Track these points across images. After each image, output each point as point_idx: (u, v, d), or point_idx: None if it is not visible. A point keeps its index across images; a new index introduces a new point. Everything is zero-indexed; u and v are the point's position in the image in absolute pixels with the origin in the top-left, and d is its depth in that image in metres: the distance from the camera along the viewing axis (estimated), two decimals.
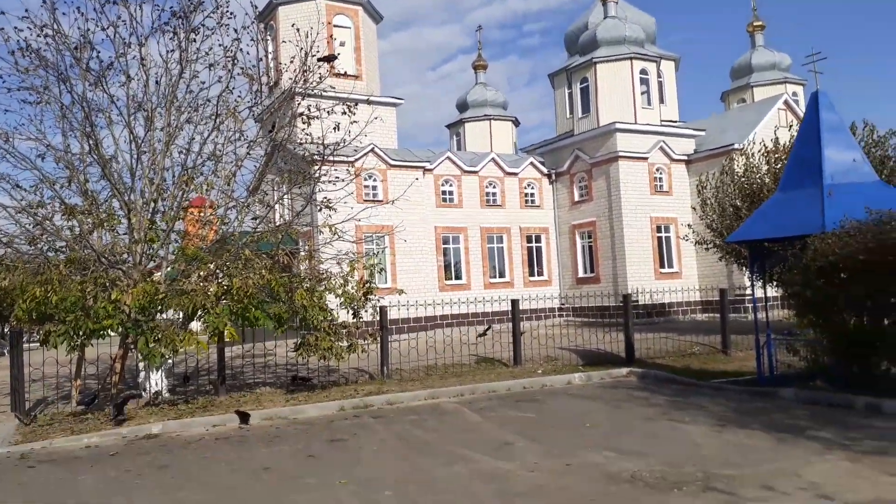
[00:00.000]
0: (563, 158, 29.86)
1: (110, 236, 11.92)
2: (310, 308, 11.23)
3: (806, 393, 9.42)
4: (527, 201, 29.68)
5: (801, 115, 26.61)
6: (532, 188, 29.90)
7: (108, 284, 10.73)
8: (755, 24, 39.45)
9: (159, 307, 10.68)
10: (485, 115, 38.11)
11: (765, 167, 18.43)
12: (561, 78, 33.44)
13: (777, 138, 19.08)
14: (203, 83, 12.39)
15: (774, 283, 13.10)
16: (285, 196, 14.27)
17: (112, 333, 10.79)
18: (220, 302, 10.89)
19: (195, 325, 12.41)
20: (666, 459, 6.59)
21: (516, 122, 39.42)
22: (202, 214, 13.44)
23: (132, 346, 10.80)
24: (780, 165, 17.61)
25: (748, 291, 23.23)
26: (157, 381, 11.43)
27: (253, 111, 13.30)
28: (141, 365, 11.62)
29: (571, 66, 31.16)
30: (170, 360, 11.80)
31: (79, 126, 11.78)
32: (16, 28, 11.08)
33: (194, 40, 12.01)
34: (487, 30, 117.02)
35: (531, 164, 29.83)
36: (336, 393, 11.40)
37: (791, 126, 21.33)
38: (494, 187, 28.90)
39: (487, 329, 16.59)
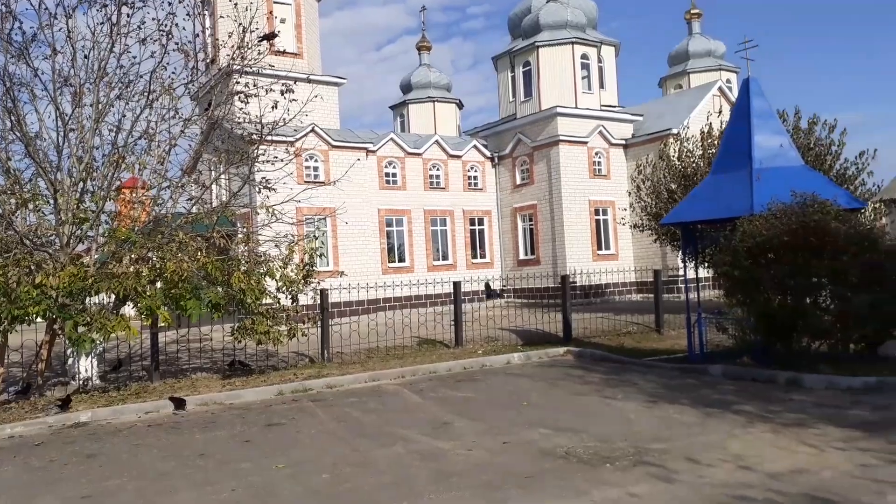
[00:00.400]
0: (505, 142, 30.05)
1: (35, 217, 11.39)
2: (247, 291, 11.01)
3: (733, 369, 9.82)
4: (470, 184, 29.79)
5: (734, 101, 27.55)
6: (475, 171, 30.01)
7: (33, 268, 10.26)
8: (692, 11, 40.43)
9: (89, 291, 10.28)
10: (428, 97, 37.96)
11: (699, 152, 18.98)
12: (504, 61, 33.55)
13: (710, 124, 19.65)
14: (135, 58, 11.92)
15: (706, 265, 13.57)
16: (222, 176, 13.92)
17: (38, 319, 10.35)
18: (154, 285, 10.58)
19: (128, 310, 12.02)
20: (599, 435, 6.77)
21: (460, 105, 39.42)
22: (134, 195, 12.97)
23: (60, 332, 10.39)
24: (713, 150, 18.16)
25: (681, 272, 24.00)
26: (86, 368, 11.02)
27: (189, 88, 12.86)
28: (69, 351, 11.19)
29: (514, 49, 31.30)
30: (101, 346, 11.41)
31: (0, 101, 11.18)
32: None
33: (126, 14, 11.52)
34: (431, 12, 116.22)
35: (474, 147, 29.92)
36: (275, 377, 11.25)
37: (721, 112, 21.99)
38: (438, 170, 28.88)
39: (492, 292, 16.27)
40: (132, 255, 10.89)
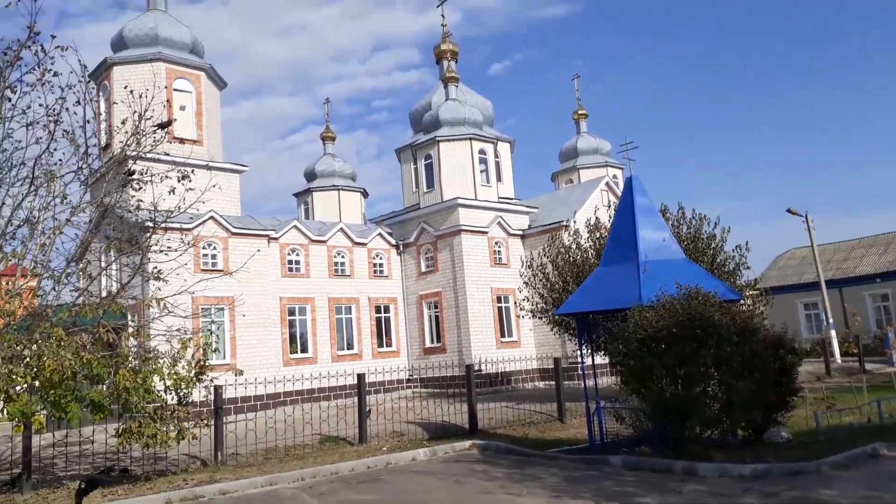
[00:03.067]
0: (410, 230, 30.50)
1: None
2: (133, 391, 10.29)
3: (632, 459, 10.00)
4: (375, 271, 29.77)
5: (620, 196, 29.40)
6: (380, 258, 30.10)
7: None
8: (579, 112, 43.47)
9: None
10: (333, 186, 38.19)
11: (588, 243, 19.88)
12: (407, 153, 34.54)
13: (598, 217, 20.73)
14: (19, 142, 11.37)
15: (602, 352, 14.01)
16: (112, 266, 13.24)
17: None
18: (29, 387, 9.71)
19: None
20: None
21: (365, 194, 39.86)
22: (11, 286, 12.05)
23: None
24: (602, 242, 19.08)
25: (579, 360, 24.63)
26: None
27: (78, 175, 12.33)
28: None
29: (416, 143, 32.34)
30: None
31: None
32: None
33: (9, 99, 11.06)
34: (336, 104, 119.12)
35: (379, 234, 30.13)
36: (162, 484, 10.42)
37: (610, 206, 23.37)
38: (343, 257, 28.75)
39: (369, 410, 15.74)
40: (4, 354, 10.01)
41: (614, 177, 37.70)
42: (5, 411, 9.70)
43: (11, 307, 11.71)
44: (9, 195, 11.38)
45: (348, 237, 28.99)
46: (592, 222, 20.29)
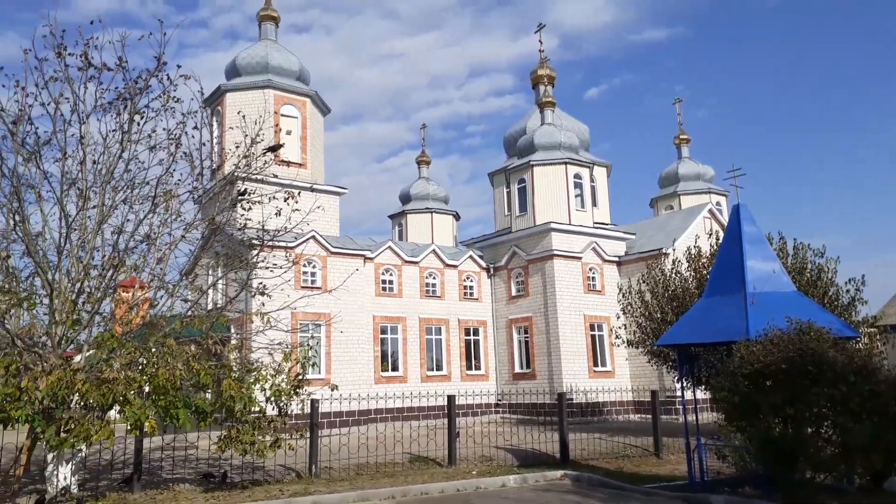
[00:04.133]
0: (501, 254, 30.48)
1: (28, 317, 11.30)
2: (237, 399, 10.77)
3: (736, 499, 9.48)
4: (466, 294, 29.91)
5: (724, 223, 28.22)
6: (471, 281, 30.22)
7: (20, 369, 10.06)
8: (681, 136, 42.24)
9: (74, 395, 10.02)
10: (427, 208, 38.81)
11: (688, 273, 19.20)
12: (500, 177, 34.64)
13: (699, 247, 19.99)
14: (143, 163, 12.27)
15: (703, 387, 13.41)
16: (220, 281, 13.96)
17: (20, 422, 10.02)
18: (143, 393, 10.34)
19: (113, 413, 11.69)
20: None
21: (457, 217, 40.26)
22: (130, 297, 12.93)
23: (41, 435, 10.03)
24: (704, 272, 18.39)
25: (678, 394, 23.69)
26: (65, 476, 10.57)
27: (193, 194, 13.16)
28: (49, 456, 10.76)
29: (510, 167, 32.39)
30: (81, 452, 11.00)
31: (5, 200, 11.37)
32: None
33: (137, 122, 11.97)
34: (432, 129, 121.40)
35: (470, 257, 30.29)
36: (259, 493, 10.79)
37: (711, 234, 22.46)
38: (434, 278, 29.07)
39: (458, 433, 15.73)
40: (123, 360, 10.71)
41: (718, 204, 36.32)
42: (123, 414, 10.36)
43: (130, 317, 12.59)
44: (132, 212, 12.31)
45: (440, 259, 29.31)
46: (694, 250, 19.60)
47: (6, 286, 11.00)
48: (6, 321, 10.78)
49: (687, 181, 40.46)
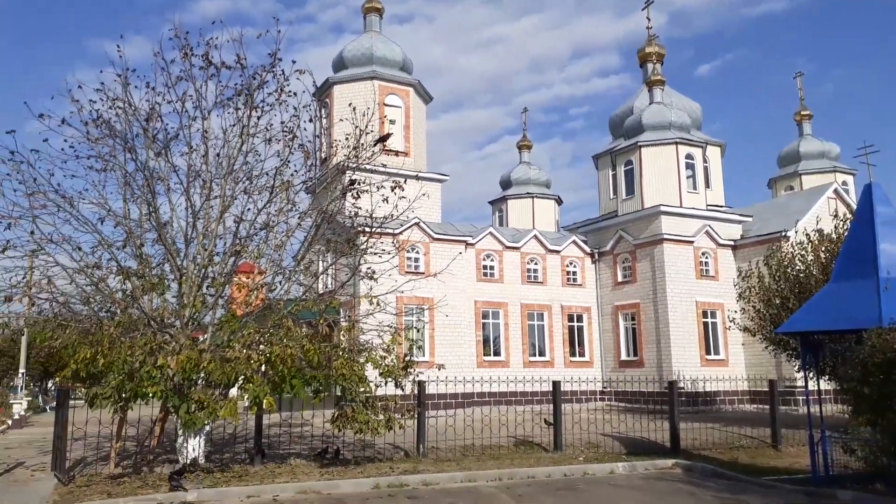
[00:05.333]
0: (606, 239, 29.81)
1: (160, 300, 12.21)
2: (349, 377, 11.19)
3: (865, 496, 8.90)
4: (569, 279, 29.51)
5: (852, 204, 26.27)
6: (574, 266, 29.77)
7: (154, 348, 10.92)
8: (803, 113, 39.54)
9: (202, 374, 10.76)
10: (527, 193, 38.53)
11: (811, 257, 18.05)
12: (605, 160, 33.82)
13: (822, 229, 18.72)
14: (259, 155, 12.91)
15: (827, 377, 12.61)
16: (331, 266, 14.51)
17: (155, 397, 10.89)
18: (261, 371, 10.95)
19: (233, 391, 12.46)
20: None
21: (559, 201, 39.72)
22: (250, 281, 13.69)
23: (172, 410, 10.85)
24: (829, 255, 17.22)
25: (798, 383, 22.36)
26: (194, 447, 11.40)
27: (306, 184, 13.74)
28: (180, 430, 11.65)
29: (616, 148, 31.54)
30: (208, 427, 11.81)
31: (139, 192, 12.30)
32: (91, 100, 11.82)
33: (255, 116, 12.60)
34: (533, 113, 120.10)
35: (573, 242, 29.83)
36: (371, 469, 11.19)
37: (837, 215, 20.96)
38: (536, 264, 28.87)
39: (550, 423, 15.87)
40: (243, 341, 11.38)
41: (844, 184, 33.77)
42: (243, 391, 11.03)
43: (251, 300, 13.35)
44: (251, 201, 13.01)
45: (542, 244, 29.05)
46: (818, 232, 18.38)
47: (140, 272, 11.91)
48: (141, 304, 11.71)
49: (809, 160, 37.89)
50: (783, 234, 25.27)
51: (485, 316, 27.32)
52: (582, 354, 29.11)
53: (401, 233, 23.50)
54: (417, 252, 25.30)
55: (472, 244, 27.24)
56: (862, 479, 9.65)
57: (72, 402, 11.35)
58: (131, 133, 12.22)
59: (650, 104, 31.08)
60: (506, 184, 39.94)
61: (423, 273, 23.84)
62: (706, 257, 27.75)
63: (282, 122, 12.64)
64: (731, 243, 28.14)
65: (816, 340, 11.21)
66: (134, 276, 11.82)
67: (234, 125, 12.60)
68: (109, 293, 11.99)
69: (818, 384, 11.62)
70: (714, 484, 10.49)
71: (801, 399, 23.47)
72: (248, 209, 12.87)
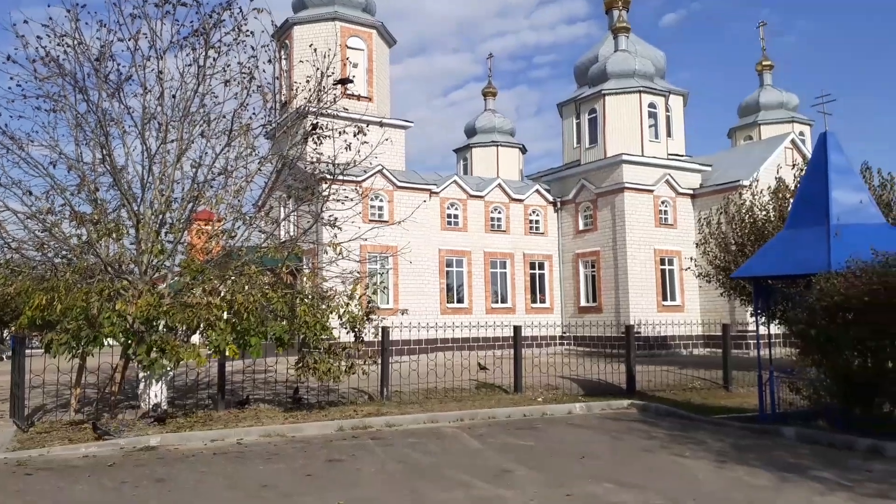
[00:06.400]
0: (568, 187, 30.01)
1: (117, 246, 11.96)
2: (312, 325, 11.22)
3: (808, 432, 9.37)
4: (531, 228, 29.76)
5: (807, 154, 26.80)
6: (537, 215, 30.00)
7: (112, 294, 10.75)
8: (764, 63, 39.85)
9: (163, 319, 10.67)
10: (492, 142, 38.36)
11: (770, 204, 18.51)
12: (569, 108, 33.73)
13: (781, 178, 19.16)
14: (216, 97, 12.54)
15: (778, 321, 13.08)
16: (292, 213, 14.35)
17: (114, 343, 10.78)
18: (224, 318, 10.89)
19: (195, 338, 12.40)
20: (666, 493, 6.55)
21: (523, 150, 39.66)
22: (209, 228, 13.48)
23: (133, 357, 10.79)
24: (786, 204, 17.68)
25: (750, 328, 23.16)
26: (156, 393, 11.38)
27: (265, 128, 13.43)
28: (141, 375, 11.60)
29: (580, 96, 31.45)
30: (170, 373, 11.78)
31: (92, 135, 11.90)
32: (37, 36, 11.26)
33: (212, 57, 12.17)
34: (499, 61, 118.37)
35: (537, 191, 29.97)
36: (335, 413, 11.35)
37: (795, 165, 21.47)
38: (499, 213, 29.01)
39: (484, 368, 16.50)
40: (204, 287, 11.27)
41: (801, 134, 34.34)
42: (205, 338, 10.98)
43: (210, 246, 13.17)
44: (209, 146, 12.69)
45: (505, 193, 29.14)
46: (775, 182, 18.81)
47: (96, 217, 11.61)
48: (97, 250, 11.45)
49: (768, 110, 38.39)
50: (741, 183, 25.76)
51: (448, 264, 27.48)
52: (543, 301, 29.61)
53: (364, 180, 23.29)
54: (381, 200, 25.14)
55: (436, 192, 27.16)
56: (806, 417, 10.15)
57: (29, 352, 11.15)
58: (82, 72, 11.74)
59: (615, 52, 30.93)
60: (471, 132, 39.64)
61: (388, 221, 23.76)
62: (665, 206, 28.21)
63: (239, 63, 12.26)
64: (691, 192, 28.61)
65: (769, 285, 11.59)
66: (89, 222, 11.52)
67: (189, 65, 12.18)
68: (64, 239, 11.70)
69: (769, 328, 12.07)
70: (667, 423, 10.93)
71: (752, 343, 24.35)
72: (206, 154, 12.58)
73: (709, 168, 29.52)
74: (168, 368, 11.05)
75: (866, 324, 8.81)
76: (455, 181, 28.15)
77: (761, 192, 19.15)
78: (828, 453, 8.40)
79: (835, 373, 9.45)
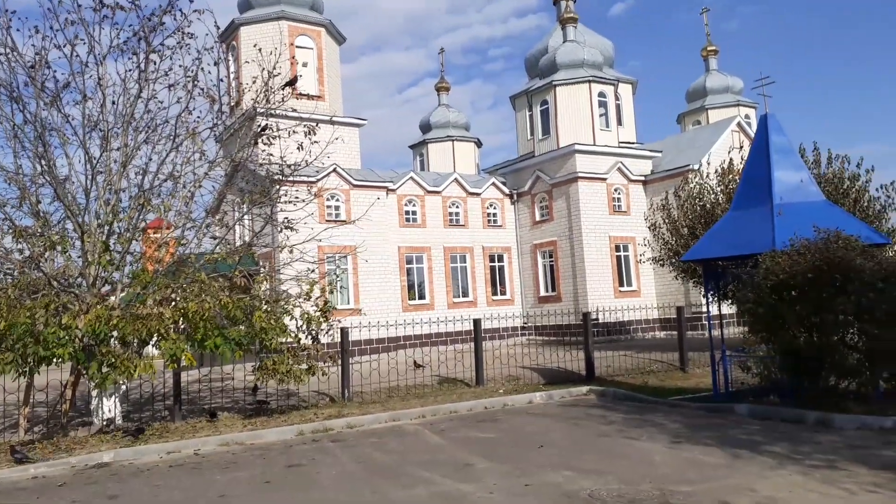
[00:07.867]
0: (524, 179, 30.22)
1: (62, 259, 11.60)
2: (269, 330, 11.07)
3: (760, 408, 9.62)
4: (489, 221, 29.90)
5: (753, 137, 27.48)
6: (494, 208, 30.15)
7: (59, 309, 10.43)
8: (709, 48, 40.68)
9: (113, 332, 10.39)
10: (447, 137, 38.37)
11: (719, 187, 18.91)
12: (522, 100, 33.95)
13: (731, 159, 19.60)
14: (161, 103, 12.24)
15: (729, 301, 13.41)
16: (245, 216, 14.12)
17: (63, 360, 10.46)
18: (177, 327, 10.67)
19: (150, 349, 12.11)
20: (623, 477, 6.65)
21: (479, 144, 39.77)
22: (159, 236, 13.17)
23: (84, 372, 10.49)
24: (733, 186, 18.08)
25: (704, 309, 23.70)
26: (109, 408, 11.10)
27: (214, 131, 13.16)
28: (94, 392, 11.28)
29: (532, 88, 31.67)
30: (123, 386, 11.48)
31: (31, 146, 11.50)
32: None
33: (154, 61, 11.88)
34: (452, 55, 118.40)
35: (493, 184, 30.11)
36: (295, 417, 11.23)
37: (742, 147, 22.00)
38: (457, 207, 29.06)
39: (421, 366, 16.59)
40: (156, 297, 11.01)
41: (746, 117, 35.18)
42: (159, 348, 10.73)
43: (160, 255, 12.87)
44: (154, 152, 12.38)
45: (462, 188, 29.21)
46: (723, 165, 19.23)
47: (39, 230, 11.24)
48: (41, 264, 11.09)
49: (715, 94, 39.24)
50: (690, 167, 26.28)
51: (409, 261, 27.44)
52: (504, 293, 29.80)
53: (318, 180, 23.05)
54: (338, 199, 24.93)
55: (393, 190, 27.07)
56: (757, 393, 10.43)
57: None
58: (16, 82, 11.34)
59: (564, 43, 31.21)
60: (425, 127, 39.59)
61: (345, 221, 23.56)
62: (618, 193, 28.62)
63: (181, 66, 11.99)
64: (643, 178, 29.09)
65: (718, 266, 11.86)
66: (32, 236, 11.15)
67: (131, 70, 11.86)
68: (5, 254, 11.30)
69: (720, 308, 12.36)
70: (624, 407, 11.11)
71: (707, 324, 24.93)
72: (152, 160, 12.28)
73: (659, 154, 30.04)
74: (120, 383, 10.77)
75: (811, 300, 9.09)
76: (412, 178, 28.10)
77: (709, 175, 19.55)
78: (779, 427, 8.64)
79: (783, 349, 9.72)
